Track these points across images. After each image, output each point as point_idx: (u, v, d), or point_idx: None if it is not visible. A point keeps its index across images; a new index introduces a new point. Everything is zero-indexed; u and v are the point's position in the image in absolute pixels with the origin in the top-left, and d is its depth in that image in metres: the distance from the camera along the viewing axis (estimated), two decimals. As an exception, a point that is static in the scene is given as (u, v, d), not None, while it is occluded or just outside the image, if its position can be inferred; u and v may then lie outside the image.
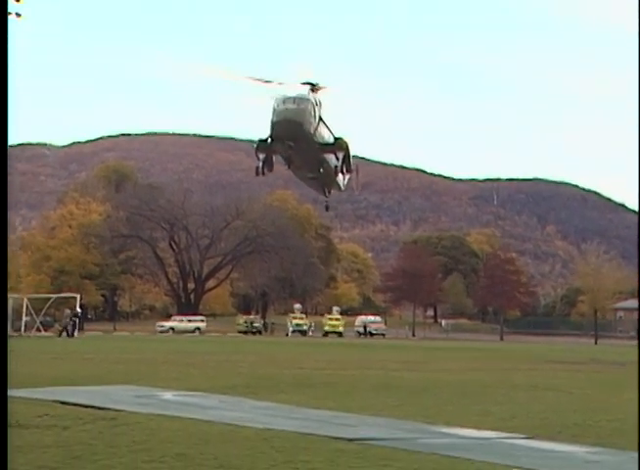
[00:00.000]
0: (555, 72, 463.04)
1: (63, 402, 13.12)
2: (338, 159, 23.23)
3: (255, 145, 22.77)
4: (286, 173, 24.29)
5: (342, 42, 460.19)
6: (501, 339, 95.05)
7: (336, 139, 23.11)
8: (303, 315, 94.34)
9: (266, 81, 21.95)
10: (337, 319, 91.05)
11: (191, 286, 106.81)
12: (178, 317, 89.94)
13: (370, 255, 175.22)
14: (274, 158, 22.78)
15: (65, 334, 57.27)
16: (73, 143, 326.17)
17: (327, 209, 28.85)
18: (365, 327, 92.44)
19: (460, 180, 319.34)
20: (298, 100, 21.50)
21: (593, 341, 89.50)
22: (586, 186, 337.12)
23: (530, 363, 32.79)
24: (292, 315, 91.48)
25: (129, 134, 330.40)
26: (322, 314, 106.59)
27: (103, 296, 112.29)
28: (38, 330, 62.72)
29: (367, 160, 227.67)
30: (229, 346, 46.60)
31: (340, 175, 24.40)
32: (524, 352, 46.97)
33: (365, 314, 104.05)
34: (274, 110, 21.35)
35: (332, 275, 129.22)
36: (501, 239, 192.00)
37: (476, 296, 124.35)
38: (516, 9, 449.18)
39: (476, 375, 23.94)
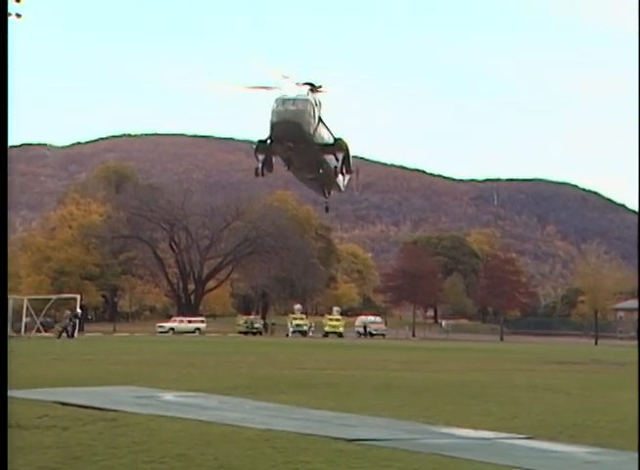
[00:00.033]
0: (555, 73, 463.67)
1: (63, 403, 13.12)
2: (337, 159, 23.19)
3: (255, 146, 22.76)
4: (286, 174, 24.27)
5: (342, 42, 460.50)
6: (501, 339, 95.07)
7: (335, 140, 23.08)
8: (304, 316, 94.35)
9: (267, 88, 21.93)
10: (337, 320, 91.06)
11: (191, 287, 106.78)
12: (178, 318, 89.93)
13: (370, 255, 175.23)
14: (274, 159, 22.76)
15: (64, 335, 57.27)
16: (74, 144, 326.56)
17: (327, 210, 28.80)
18: (365, 327, 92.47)
19: (460, 180, 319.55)
20: (298, 101, 21.47)
21: (593, 341, 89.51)
22: (586, 186, 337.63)
23: (530, 364, 32.79)
24: (292, 316, 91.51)
25: (129, 135, 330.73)
26: (322, 315, 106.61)
27: (103, 296, 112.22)
28: (38, 331, 62.73)
29: (367, 160, 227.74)
30: (229, 346, 46.59)
31: (339, 176, 24.37)
32: (524, 353, 46.96)
33: (365, 315, 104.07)
34: (273, 110, 21.32)
35: (332, 276, 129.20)
36: (501, 239, 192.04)
37: (476, 296, 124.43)
38: (516, 9, 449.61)
39: (476, 375, 23.94)
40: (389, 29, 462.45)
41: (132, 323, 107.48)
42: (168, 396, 15.28)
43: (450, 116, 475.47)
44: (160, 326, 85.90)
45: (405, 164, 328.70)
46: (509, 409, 14.24)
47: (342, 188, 25.76)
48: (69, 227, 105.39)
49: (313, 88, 22.03)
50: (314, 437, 10.10)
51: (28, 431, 9.99)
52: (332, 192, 25.97)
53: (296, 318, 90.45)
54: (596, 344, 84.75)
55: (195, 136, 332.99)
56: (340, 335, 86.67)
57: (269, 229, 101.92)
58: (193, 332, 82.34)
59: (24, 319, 63.71)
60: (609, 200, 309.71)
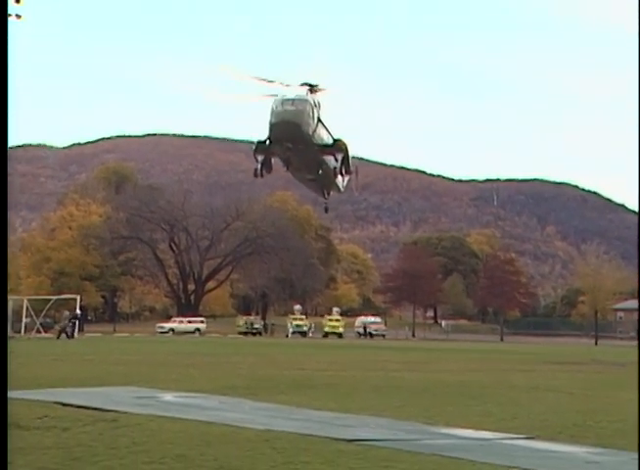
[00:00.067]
0: (555, 73, 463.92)
1: (63, 404, 13.11)
2: (337, 160, 23.16)
3: (254, 147, 22.73)
4: (286, 174, 24.26)
5: (342, 42, 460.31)
6: (501, 340, 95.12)
7: (335, 140, 23.04)
8: (303, 316, 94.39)
9: (269, 81, 21.91)
10: (337, 320, 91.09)
11: (191, 287, 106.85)
12: (178, 318, 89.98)
13: (370, 255, 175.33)
14: (273, 159, 22.74)
15: (64, 335, 57.26)
16: (73, 144, 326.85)
17: (326, 210, 28.79)
18: (365, 328, 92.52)
19: (460, 181, 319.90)
20: (297, 101, 21.43)
21: (593, 341, 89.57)
22: (586, 187, 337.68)
23: (530, 364, 32.79)
24: (292, 316, 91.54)
25: (129, 135, 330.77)
26: (322, 315, 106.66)
27: (103, 297, 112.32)
28: (38, 331, 62.74)
29: (367, 160, 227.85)
30: (229, 347, 46.58)
31: (339, 177, 24.35)
32: (523, 353, 46.96)
33: (365, 315, 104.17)
34: (272, 111, 21.28)
35: (332, 276, 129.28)
36: (501, 240, 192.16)
37: (476, 296, 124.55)
38: (516, 9, 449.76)
39: (476, 376, 23.93)
40: (389, 29, 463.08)
41: (132, 324, 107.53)
42: (168, 396, 15.26)
43: (450, 116, 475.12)
44: (160, 327, 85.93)
45: (405, 165, 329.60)
46: (509, 410, 14.23)
47: (342, 189, 25.74)
48: (69, 228, 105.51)
49: (312, 89, 22.00)
50: (314, 437, 10.09)
51: (28, 431, 9.98)
52: (331, 193, 25.94)
53: (295, 319, 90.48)
54: (596, 344, 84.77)
55: (194, 136, 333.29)
56: (339, 335, 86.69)
57: (269, 230, 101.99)
58: (193, 332, 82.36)
59: (24, 320, 63.72)
60: (608, 200, 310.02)
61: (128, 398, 14.52)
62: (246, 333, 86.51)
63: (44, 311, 67.07)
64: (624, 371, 29.52)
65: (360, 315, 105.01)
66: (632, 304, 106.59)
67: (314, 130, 21.82)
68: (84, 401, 13.34)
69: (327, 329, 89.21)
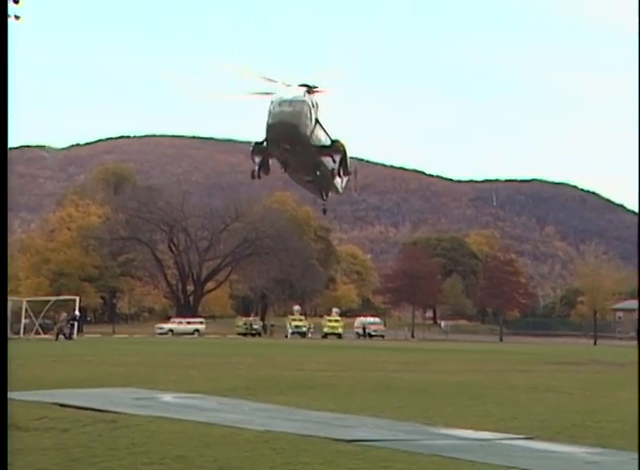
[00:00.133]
0: (554, 73, 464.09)
1: (62, 405, 13.11)
2: (335, 161, 23.09)
3: (251, 148, 22.68)
4: (285, 175, 24.21)
5: (342, 42, 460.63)
6: (501, 340, 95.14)
7: (332, 141, 22.97)
8: (303, 317, 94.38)
9: (271, 80, 21.86)
10: (336, 321, 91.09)
11: (190, 288, 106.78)
12: (177, 319, 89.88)
13: (369, 256, 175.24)
14: (270, 161, 22.69)
15: (62, 337, 57.22)
16: (72, 145, 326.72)
17: (324, 212, 28.77)
18: (364, 328, 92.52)
19: (459, 181, 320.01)
20: (294, 102, 21.35)
21: (592, 342, 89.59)
22: (585, 187, 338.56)
23: (530, 364, 32.79)
24: (291, 317, 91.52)
25: (128, 136, 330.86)
26: (321, 316, 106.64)
27: (102, 298, 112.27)
28: (37, 333, 62.74)
29: (366, 161, 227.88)
30: (228, 348, 46.58)
31: (337, 178, 24.30)
32: (523, 354, 46.96)
33: (364, 316, 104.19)
34: (269, 112, 21.21)
35: (331, 277, 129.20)
36: (500, 240, 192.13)
37: (475, 297, 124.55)
38: (517, 9, 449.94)
39: (475, 376, 23.94)
40: (390, 29, 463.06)
41: (131, 325, 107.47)
42: (167, 397, 15.27)
43: (449, 116, 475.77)
44: (160, 327, 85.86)
45: (404, 165, 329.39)
46: (508, 410, 14.24)
47: (340, 190, 25.69)
48: (68, 229, 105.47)
49: (310, 89, 21.93)
50: (313, 438, 10.09)
51: (27, 433, 9.98)
52: (329, 194, 25.90)
53: (295, 319, 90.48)
54: (595, 344, 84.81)
55: (194, 137, 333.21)
56: (339, 336, 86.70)
57: (268, 230, 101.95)
58: (192, 333, 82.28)
59: (23, 321, 63.71)
60: (607, 200, 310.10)
61: (127, 399, 14.52)
62: (245, 334, 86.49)
63: (43, 313, 67.08)
64: (623, 371, 29.54)
65: (359, 316, 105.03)
66: (631, 304, 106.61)
67: (312, 131, 21.76)
68: (83, 403, 13.34)
69: (326, 330, 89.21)
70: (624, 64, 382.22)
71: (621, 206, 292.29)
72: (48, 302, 69.08)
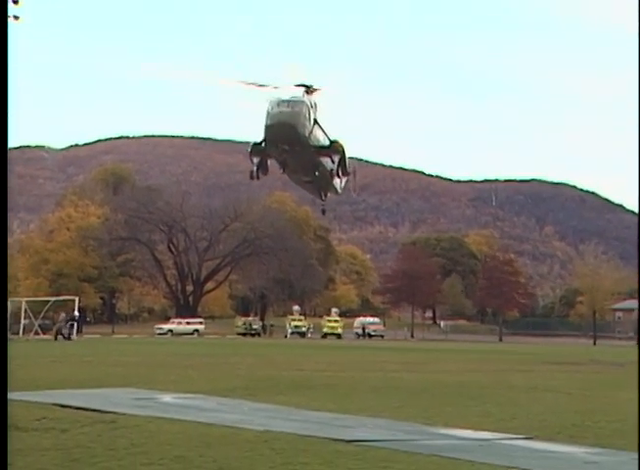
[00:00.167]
0: (554, 73, 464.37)
1: (61, 405, 13.10)
2: (333, 162, 23.04)
3: (249, 149, 22.61)
4: (284, 175, 24.21)
5: (342, 42, 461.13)
6: (500, 340, 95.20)
7: (331, 142, 22.92)
8: (302, 317, 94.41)
9: (260, 85, 21.81)
10: (335, 321, 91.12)
11: (189, 288, 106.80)
12: (177, 320, 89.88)
13: (369, 256, 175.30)
14: (269, 161, 22.64)
15: (61, 337, 57.22)
16: (71, 146, 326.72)
17: (323, 212, 28.79)
18: (364, 329, 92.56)
19: (458, 181, 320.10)
20: (293, 103, 21.29)
21: (592, 341, 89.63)
22: (584, 187, 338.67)
23: (529, 364, 32.79)
24: (290, 317, 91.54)
25: (127, 137, 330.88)
26: (321, 316, 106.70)
27: (101, 298, 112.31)
28: (37, 333, 62.74)
29: (365, 161, 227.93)
30: (228, 348, 46.57)
31: (336, 178, 24.26)
32: (522, 354, 46.96)
33: (364, 316, 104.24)
34: (268, 113, 21.14)
35: (330, 277, 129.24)
36: (500, 240, 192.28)
37: (474, 297, 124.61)
38: (517, 9, 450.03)
39: (475, 376, 23.93)
40: (390, 29, 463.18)
41: (131, 325, 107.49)
42: (167, 397, 15.25)
43: (449, 116, 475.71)
44: (159, 328, 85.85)
45: (404, 165, 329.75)
46: (508, 410, 14.23)
47: (339, 190, 25.67)
48: (68, 229, 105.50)
49: (308, 90, 21.88)
50: (313, 438, 10.08)
51: (27, 433, 9.98)
52: (328, 194, 25.87)
53: (294, 320, 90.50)
54: (594, 344, 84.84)
55: (193, 138, 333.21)
56: (338, 336, 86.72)
57: (268, 230, 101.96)
58: (191, 334, 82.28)
59: (23, 321, 63.75)
60: (607, 200, 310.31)
61: (127, 399, 14.51)
62: (244, 334, 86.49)
63: (42, 313, 67.08)
64: (623, 371, 29.54)
65: (359, 316, 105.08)
66: (631, 304, 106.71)
67: (310, 132, 21.71)
68: (83, 403, 13.33)
69: (326, 330, 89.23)
70: (624, 64, 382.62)
71: (621, 206, 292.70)
72: (47, 302, 69.09)
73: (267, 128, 21.21)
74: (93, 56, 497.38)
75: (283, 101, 21.20)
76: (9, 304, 58.55)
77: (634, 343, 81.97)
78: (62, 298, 71.48)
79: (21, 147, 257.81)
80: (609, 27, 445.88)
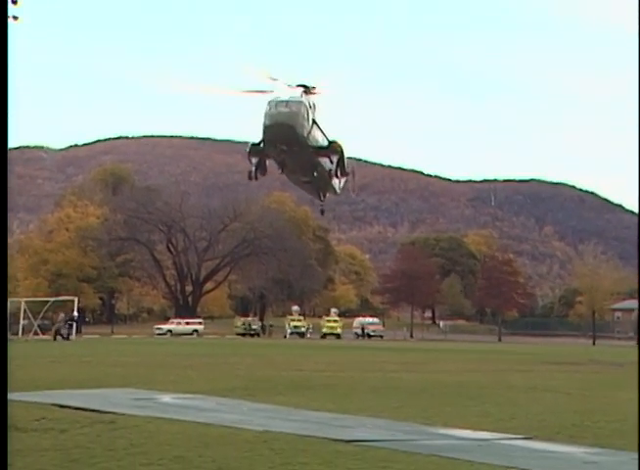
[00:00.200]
0: (553, 73, 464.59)
1: (60, 406, 13.10)
2: (332, 162, 23.01)
3: (248, 149, 22.59)
4: (283, 175, 24.20)
5: (341, 42, 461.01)
6: (499, 340, 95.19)
7: (330, 142, 22.90)
8: (301, 317, 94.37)
9: (262, 92, 21.80)
10: (335, 321, 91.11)
11: (189, 288, 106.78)
12: (176, 320, 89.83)
13: (368, 256, 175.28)
14: (267, 162, 22.62)
15: (60, 337, 57.22)
16: (70, 146, 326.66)
17: (322, 213, 28.77)
18: (363, 329, 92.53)
19: (457, 181, 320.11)
20: (291, 103, 21.27)
21: (591, 341, 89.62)
22: (584, 187, 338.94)
23: (528, 364, 32.79)
24: (290, 317, 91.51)
25: (126, 137, 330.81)
26: (320, 316, 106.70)
27: (100, 299, 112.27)
28: (36, 333, 62.72)
29: (364, 161, 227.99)
30: (227, 348, 46.56)
31: (334, 179, 24.24)
32: (521, 354, 46.97)
33: (363, 316, 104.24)
34: (266, 113, 21.12)
35: (330, 277, 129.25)
36: (499, 240, 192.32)
37: (474, 297, 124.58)
38: (516, 9, 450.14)
39: (474, 376, 23.93)
40: (388, 29, 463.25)
41: (130, 325, 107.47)
42: (166, 398, 15.25)
43: (448, 116, 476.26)
44: (158, 328, 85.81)
45: (403, 165, 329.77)
46: (507, 410, 14.24)
47: (338, 190, 25.65)
48: (67, 230, 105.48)
49: (307, 90, 21.86)
50: (312, 438, 10.08)
51: (26, 433, 9.97)
52: (327, 195, 25.85)
53: (293, 320, 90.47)
54: (594, 344, 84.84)
55: (191, 138, 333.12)
56: (337, 336, 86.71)
57: (267, 231, 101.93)
58: (191, 334, 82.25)
59: (22, 322, 63.74)
60: (606, 200, 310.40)
61: (126, 399, 14.51)
62: (244, 334, 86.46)
63: (42, 313, 67.06)
64: (622, 371, 29.56)
65: (358, 316, 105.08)
66: (630, 304, 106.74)
67: (309, 132, 21.69)
68: (82, 403, 13.33)
69: (325, 330, 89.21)
70: (623, 64, 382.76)
71: (620, 206, 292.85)
72: (46, 302, 69.08)
73: (266, 129, 21.20)
74: (92, 56, 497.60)
75: (281, 101, 21.19)
76: (8, 304, 58.56)
77: (634, 343, 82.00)
78: (61, 298, 71.47)
79: (20, 147, 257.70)
80: (608, 27, 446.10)
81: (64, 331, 58.39)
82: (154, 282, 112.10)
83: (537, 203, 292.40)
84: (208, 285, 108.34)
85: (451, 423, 12.06)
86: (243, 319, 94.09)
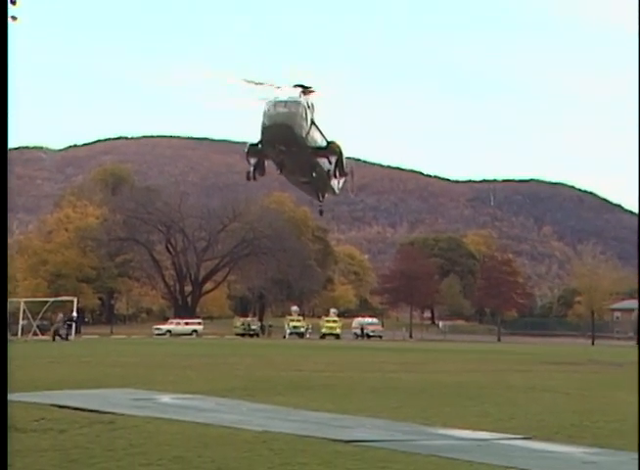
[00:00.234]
0: (553, 73, 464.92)
1: (59, 406, 13.10)
2: (330, 163, 22.98)
3: (246, 149, 22.56)
4: (282, 176, 24.19)
5: (340, 42, 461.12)
6: (498, 340, 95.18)
7: (328, 143, 22.86)
8: (301, 317, 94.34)
9: (258, 83, 21.76)
10: (334, 321, 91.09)
11: (188, 289, 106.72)
12: (175, 320, 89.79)
13: (367, 256, 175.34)
14: (266, 162, 22.59)
15: (58, 338, 57.19)
16: (70, 146, 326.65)
17: (321, 213, 28.70)
18: (362, 329, 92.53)
19: (457, 182, 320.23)
20: (289, 103, 21.23)
21: (590, 341, 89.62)
22: (583, 187, 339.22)
23: (527, 364, 32.80)
24: (289, 318, 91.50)
25: (126, 137, 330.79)
26: (319, 316, 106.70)
27: (100, 299, 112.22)
28: (35, 334, 62.71)
29: (363, 161, 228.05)
30: (226, 348, 46.55)
31: (333, 179, 24.21)
32: (521, 354, 46.97)
33: (362, 316, 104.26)
34: (264, 113, 21.08)
35: (329, 277, 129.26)
36: (498, 240, 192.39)
37: (473, 297, 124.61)
38: (515, 9, 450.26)
39: (473, 376, 23.94)
40: (388, 29, 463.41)
41: (129, 325, 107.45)
42: (165, 398, 15.25)
43: (447, 116, 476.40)
44: (157, 328, 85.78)
45: (402, 166, 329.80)
46: (506, 410, 14.24)
47: (337, 191, 25.61)
48: (66, 230, 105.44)
49: (305, 90, 21.82)
50: (311, 438, 10.09)
51: (25, 434, 9.98)
52: (326, 195, 25.81)
53: (293, 320, 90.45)
54: (593, 344, 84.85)
55: (190, 138, 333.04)
56: (337, 336, 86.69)
57: (266, 231, 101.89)
58: (190, 334, 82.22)
59: (21, 322, 63.71)
60: (605, 200, 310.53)
61: (125, 399, 14.51)
62: (243, 334, 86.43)
63: (41, 314, 67.02)
64: (621, 371, 29.57)
65: (357, 316, 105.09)
66: (629, 304, 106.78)
67: (307, 133, 21.66)
68: (81, 404, 13.33)
69: (324, 330, 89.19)
70: (622, 64, 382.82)
71: (619, 206, 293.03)
72: (46, 303, 69.05)
73: (264, 129, 21.17)
74: (91, 56, 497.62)
75: (279, 101, 21.15)
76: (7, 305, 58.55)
77: (633, 343, 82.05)
78: (60, 298, 71.43)
79: (19, 148, 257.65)
80: (608, 27, 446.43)
81: (62, 331, 58.38)
82: (153, 282, 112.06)
83: (536, 203, 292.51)
84: (208, 285, 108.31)
85: (450, 423, 12.07)
86: (242, 319, 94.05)
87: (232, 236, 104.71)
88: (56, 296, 75.92)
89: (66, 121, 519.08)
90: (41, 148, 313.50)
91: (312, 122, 21.90)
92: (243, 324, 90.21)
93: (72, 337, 59.34)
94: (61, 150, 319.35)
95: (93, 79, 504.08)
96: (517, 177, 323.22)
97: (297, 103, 21.32)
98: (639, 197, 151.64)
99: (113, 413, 12.20)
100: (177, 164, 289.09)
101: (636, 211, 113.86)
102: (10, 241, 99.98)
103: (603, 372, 29.02)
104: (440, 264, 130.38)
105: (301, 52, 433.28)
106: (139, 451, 8.84)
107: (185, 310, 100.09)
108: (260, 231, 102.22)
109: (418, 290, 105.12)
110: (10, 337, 54.97)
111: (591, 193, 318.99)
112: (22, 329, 63.20)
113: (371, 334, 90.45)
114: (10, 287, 77.93)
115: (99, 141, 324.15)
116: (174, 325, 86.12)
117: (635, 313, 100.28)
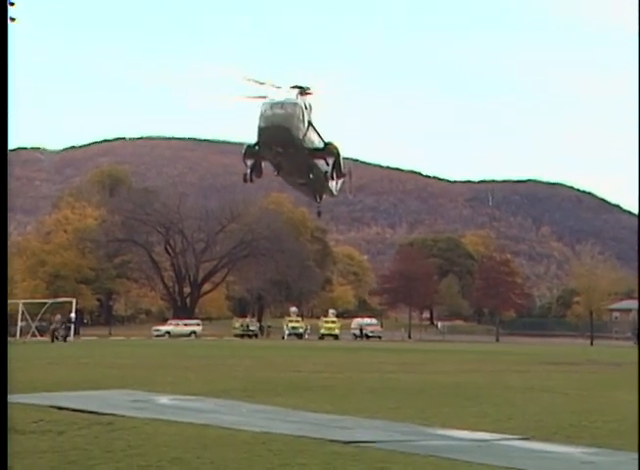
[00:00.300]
0: (552, 73, 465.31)
1: (58, 407, 13.10)
2: (328, 164, 22.92)
3: (243, 151, 22.50)
4: (279, 177, 24.17)
5: (339, 42, 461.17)
6: (497, 340, 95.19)
7: (325, 144, 22.80)
8: (299, 318, 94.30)
9: (258, 82, 21.73)
10: (333, 322, 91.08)
11: (187, 290, 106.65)
12: (174, 321, 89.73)
13: (366, 257, 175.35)
14: (263, 163, 22.53)
15: (57, 339, 57.14)
16: (68, 148, 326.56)
17: (319, 214, 28.64)
18: (361, 330, 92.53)
19: (455, 182, 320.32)
20: (286, 104, 21.14)
21: (589, 342, 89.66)
22: (581, 187, 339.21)
23: (526, 365, 32.81)
24: (288, 318, 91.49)
25: (124, 138, 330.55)
26: (318, 317, 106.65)
27: (98, 300, 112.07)
28: (34, 335, 62.68)
29: (362, 162, 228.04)
30: (225, 349, 46.54)
31: (331, 181, 24.16)
32: (519, 354, 46.99)
33: (361, 317, 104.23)
34: (261, 115, 21.00)
35: (328, 278, 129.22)
36: (496, 240, 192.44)
37: (471, 297, 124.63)
38: (515, 9, 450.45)
39: (472, 377, 23.94)
40: (388, 29, 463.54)
41: (128, 327, 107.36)
42: (164, 399, 15.24)
43: (446, 117, 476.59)
44: (156, 330, 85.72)
45: (401, 166, 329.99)
46: (505, 410, 14.25)
47: (335, 192, 25.56)
48: (64, 231, 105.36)
49: (303, 91, 21.77)
50: (310, 439, 10.09)
51: (24, 435, 9.98)
52: (324, 196, 25.76)
53: (291, 321, 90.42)
54: (591, 344, 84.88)
55: (188, 139, 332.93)
56: (335, 337, 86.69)
57: (265, 232, 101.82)
58: (189, 335, 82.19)
59: (20, 324, 63.67)
60: (603, 200, 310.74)
61: (124, 401, 14.51)
62: (242, 335, 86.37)
63: (39, 315, 66.95)
64: (620, 371, 29.59)
65: (356, 317, 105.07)
66: (628, 304, 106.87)
67: (305, 134, 21.59)
68: (80, 405, 13.33)
69: (323, 331, 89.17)
70: (622, 64, 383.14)
71: (617, 206, 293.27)
72: (44, 304, 69.00)
73: (261, 130, 21.09)
74: (90, 57, 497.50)
75: (276, 103, 21.08)
76: (7, 306, 58.49)
77: (632, 343, 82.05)
78: (59, 300, 71.38)
79: (17, 149, 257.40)
80: (607, 27, 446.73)
81: (61, 332, 58.33)
82: (152, 283, 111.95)
83: (535, 203, 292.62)
84: (206, 286, 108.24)
85: (449, 424, 12.07)
86: (241, 320, 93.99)
87: (230, 237, 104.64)
88: (54, 297, 75.86)
89: (64, 122, 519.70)
90: (39, 149, 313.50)
91: (309, 124, 21.84)
92: (241, 325, 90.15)
93: (71, 338, 59.33)
94: (59, 151, 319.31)
95: (91, 80, 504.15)
96: (515, 178, 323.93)
97: (294, 104, 21.26)
98: (639, 197, 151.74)
99: (111, 415, 12.20)
100: (176, 165, 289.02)
101: (635, 211, 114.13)
102: (8, 242, 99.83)
103: (601, 372, 29.03)
104: (439, 265, 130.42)
105: (301, 52, 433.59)
106: (138, 453, 8.84)
107: (184, 311, 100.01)
108: (259, 232, 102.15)
109: (417, 290, 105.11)
110: (9, 338, 54.96)
111: (590, 193, 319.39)
112: (21, 330, 63.16)
113: (370, 334, 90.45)
114: (8, 288, 77.89)
115: (97, 142, 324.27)
116: (173, 326, 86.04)
117: (634, 314, 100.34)
